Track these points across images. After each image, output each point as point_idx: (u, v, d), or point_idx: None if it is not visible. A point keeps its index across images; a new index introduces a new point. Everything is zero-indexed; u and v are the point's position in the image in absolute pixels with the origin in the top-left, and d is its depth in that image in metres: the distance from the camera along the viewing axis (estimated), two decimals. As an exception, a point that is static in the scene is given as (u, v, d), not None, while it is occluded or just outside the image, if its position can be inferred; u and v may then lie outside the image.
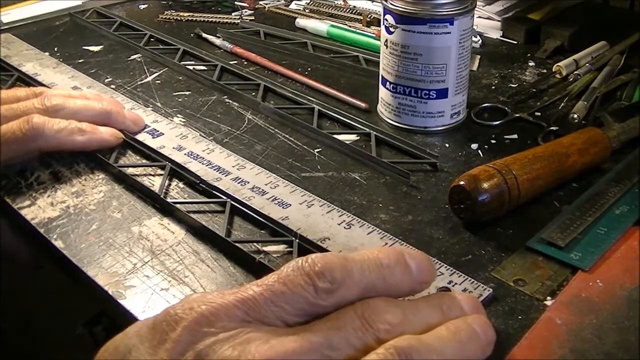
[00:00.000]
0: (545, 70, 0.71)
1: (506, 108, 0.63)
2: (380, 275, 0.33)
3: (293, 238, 0.45)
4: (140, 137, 0.57)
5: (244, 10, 0.90)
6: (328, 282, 0.32)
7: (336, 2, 0.88)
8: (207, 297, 0.31)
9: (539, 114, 0.62)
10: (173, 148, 0.56)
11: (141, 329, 0.32)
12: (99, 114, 0.56)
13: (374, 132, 0.58)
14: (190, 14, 0.87)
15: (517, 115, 0.61)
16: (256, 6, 0.91)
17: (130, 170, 0.53)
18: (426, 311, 0.33)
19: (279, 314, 0.31)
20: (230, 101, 0.65)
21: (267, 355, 0.29)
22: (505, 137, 0.59)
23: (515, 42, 0.78)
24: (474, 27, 0.67)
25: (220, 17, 0.85)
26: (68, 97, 0.56)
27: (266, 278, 0.32)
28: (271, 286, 0.31)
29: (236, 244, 0.44)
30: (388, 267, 0.33)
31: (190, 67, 0.71)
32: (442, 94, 0.58)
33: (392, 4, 0.56)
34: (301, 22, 0.83)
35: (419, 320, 0.33)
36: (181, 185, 0.52)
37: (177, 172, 0.53)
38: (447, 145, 0.58)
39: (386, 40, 0.58)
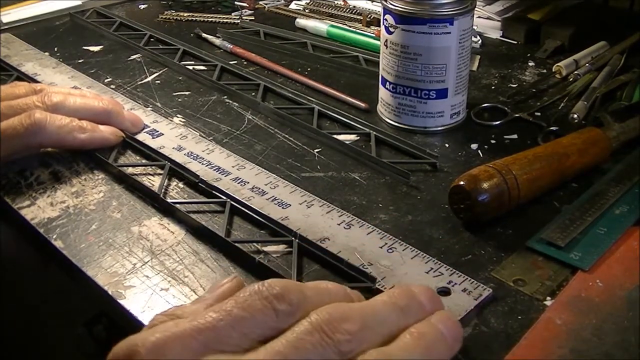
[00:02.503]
0: (545, 70, 0.71)
1: (506, 108, 0.63)
2: (332, 300, 0.33)
3: (293, 238, 0.45)
4: (140, 137, 0.57)
5: (244, 10, 0.90)
6: (287, 304, 0.31)
7: (336, 2, 0.88)
8: (166, 325, 0.30)
9: (539, 114, 0.62)
10: (173, 148, 0.56)
11: None
12: (98, 112, 0.56)
13: (374, 132, 0.58)
14: (190, 14, 0.87)
15: (517, 115, 0.61)
16: (256, 6, 0.91)
17: (130, 170, 0.53)
18: (384, 312, 0.33)
19: (239, 341, 0.30)
20: (230, 101, 0.65)
21: None
22: (505, 137, 0.59)
23: (515, 42, 0.78)
24: (474, 27, 0.67)
25: (220, 17, 0.85)
26: (68, 95, 0.56)
27: (223, 303, 0.31)
28: (229, 312, 0.30)
29: (236, 244, 0.44)
30: (336, 295, 0.33)
31: (190, 67, 0.71)
32: (442, 94, 0.58)
33: (392, 4, 0.56)
34: (301, 22, 0.83)
35: (379, 325, 0.32)
36: (181, 185, 0.52)
37: (176, 172, 0.53)
38: (447, 145, 0.58)
39: (386, 40, 0.58)
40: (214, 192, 0.50)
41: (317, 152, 0.57)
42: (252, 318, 0.30)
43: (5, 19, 0.84)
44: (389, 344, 0.31)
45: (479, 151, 0.57)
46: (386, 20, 0.57)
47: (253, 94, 0.65)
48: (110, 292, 0.42)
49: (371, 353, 0.30)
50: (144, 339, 0.29)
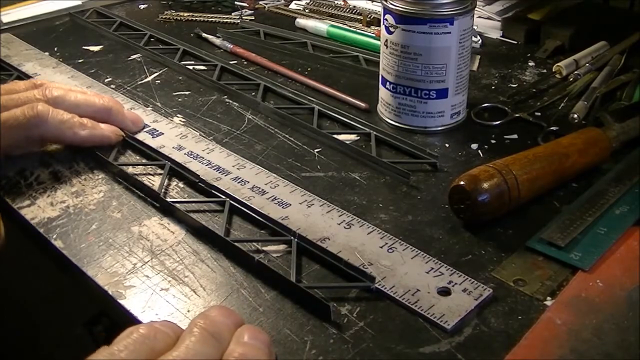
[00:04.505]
0: (545, 70, 0.71)
1: (506, 108, 0.63)
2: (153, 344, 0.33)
3: (293, 238, 0.45)
4: (140, 136, 0.57)
5: (244, 10, 0.90)
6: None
7: (336, 2, 0.88)
8: None
9: (539, 114, 0.62)
10: (173, 148, 0.56)
11: None
12: (99, 109, 0.56)
13: (374, 132, 0.58)
14: (190, 14, 0.87)
15: (517, 115, 0.61)
16: (256, 6, 0.91)
17: (130, 170, 0.53)
18: (204, 349, 0.33)
19: None
20: (230, 101, 0.65)
21: None
22: (505, 137, 0.59)
23: (515, 42, 0.78)
24: (474, 27, 0.67)
25: (220, 17, 0.85)
26: (68, 90, 0.56)
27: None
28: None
29: (236, 244, 0.44)
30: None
31: (190, 67, 0.71)
32: (442, 94, 0.58)
33: (392, 4, 0.56)
34: (301, 22, 0.83)
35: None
36: (181, 185, 0.52)
37: (176, 171, 0.53)
38: (447, 145, 0.58)
39: (386, 40, 0.58)
40: (213, 191, 0.50)
41: (317, 152, 0.57)
42: None
43: (5, 19, 0.84)
44: None
45: (479, 151, 0.57)
46: (386, 20, 0.57)
47: (253, 93, 0.65)
48: (110, 292, 0.42)
49: None
50: None
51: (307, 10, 0.88)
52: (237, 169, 0.53)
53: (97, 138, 0.55)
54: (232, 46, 0.76)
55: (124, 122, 0.57)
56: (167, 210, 0.49)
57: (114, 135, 0.56)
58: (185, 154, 0.55)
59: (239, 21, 0.84)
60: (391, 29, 0.57)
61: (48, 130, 0.52)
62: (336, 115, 0.61)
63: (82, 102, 0.56)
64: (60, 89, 0.56)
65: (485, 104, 0.64)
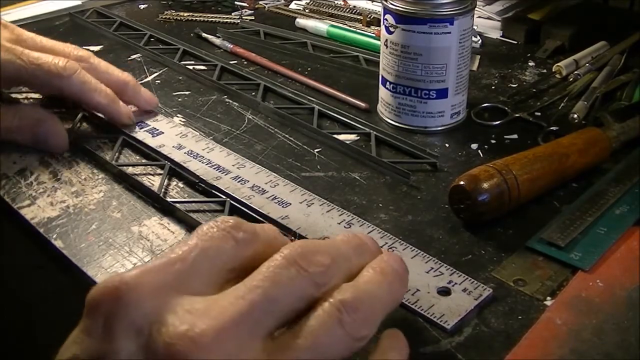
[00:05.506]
0: (545, 70, 0.71)
1: (506, 108, 0.63)
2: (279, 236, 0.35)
3: (292, 237, 0.45)
4: (140, 135, 0.57)
5: (244, 10, 0.90)
6: (243, 232, 0.32)
7: (336, 2, 0.88)
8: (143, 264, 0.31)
9: (539, 114, 0.62)
10: (173, 147, 0.56)
11: None
12: (117, 79, 0.59)
13: (374, 132, 0.58)
14: (190, 14, 0.87)
15: (517, 115, 0.61)
16: (256, 6, 0.91)
17: (130, 170, 0.53)
18: (346, 250, 0.34)
19: (209, 272, 0.31)
20: (230, 101, 0.65)
21: (213, 326, 0.28)
22: (505, 137, 0.59)
23: (515, 42, 0.78)
24: (474, 27, 0.67)
25: (220, 17, 0.85)
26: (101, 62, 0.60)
27: (187, 239, 0.32)
28: (196, 244, 0.31)
29: (236, 244, 0.44)
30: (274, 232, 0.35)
31: (190, 67, 0.71)
32: (442, 94, 0.58)
33: (392, 4, 0.56)
34: (301, 22, 0.83)
35: (344, 261, 0.33)
36: (181, 184, 0.52)
37: (176, 171, 0.53)
38: (447, 145, 0.58)
39: (386, 40, 0.58)
40: (213, 191, 0.50)
41: (317, 151, 0.57)
42: (216, 247, 0.31)
43: (5, 19, 0.84)
44: (351, 280, 0.32)
45: (479, 151, 0.57)
46: (386, 20, 0.57)
47: (253, 93, 0.65)
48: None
49: (343, 288, 0.31)
50: (122, 275, 0.29)
51: (307, 10, 0.88)
52: (237, 168, 0.53)
53: (111, 111, 0.57)
54: (232, 46, 0.76)
55: (139, 98, 0.60)
56: (167, 210, 0.49)
57: (126, 117, 0.58)
58: (185, 153, 0.55)
59: (239, 21, 0.84)
60: (391, 29, 0.57)
61: (70, 85, 0.55)
62: (336, 115, 0.61)
63: (104, 67, 0.59)
64: (86, 52, 0.60)
65: (485, 104, 0.64)
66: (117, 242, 0.46)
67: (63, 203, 0.50)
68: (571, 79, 0.67)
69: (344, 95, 0.65)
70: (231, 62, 0.72)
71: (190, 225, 0.47)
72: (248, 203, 0.48)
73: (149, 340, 0.27)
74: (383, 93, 0.61)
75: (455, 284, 0.41)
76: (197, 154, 0.55)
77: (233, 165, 0.53)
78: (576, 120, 0.60)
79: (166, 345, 0.27)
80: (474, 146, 0.57)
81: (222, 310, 0.28)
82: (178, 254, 0.31)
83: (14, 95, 0.63)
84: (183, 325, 0.28)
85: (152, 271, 0.30)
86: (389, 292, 0.33)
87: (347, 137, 0.58)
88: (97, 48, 0.77)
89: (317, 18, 0.84)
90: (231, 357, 0.27)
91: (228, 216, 0.35)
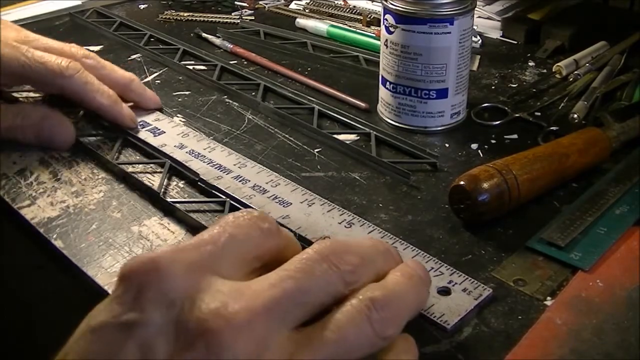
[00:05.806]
0: (545, 70, 0.71)
1: (506, 108, 0.63)
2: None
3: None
4: (142, 135, 0.57)
5: (244, 10, 0.90)
6: (268, 223, 0.33)
7: (336, 2, 0.88)
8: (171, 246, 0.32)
9: (539, 114, 0.62)
10: (174, 146, 0.56)
11: None
12: (122, 77, 0.60)
13: (374, 132, 0.58)
14: (190, 14, 0.87)
15: (517, 115, 0.61)
16: (256, 6, 0.91)
17: (130, 169, 0.53)
18: (372, 253, 0.34)
19: (236, 259, 0.31)
20: (230, 101, 0.65)
21: (247, 307, 0.28)
22: (505, 137, 0.59)
23: (515, 42, 0.78)
24: (474, 27, 0.67)
25: (220, 17, 0.85)
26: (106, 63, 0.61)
27: (214, 226, 0.32)
28: (224, 230, 0.32)
29: (236, 244, 0.44)
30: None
31: (190, 67, 0.71)
32: (442, 94, 0.58)
33: (392, 4, 0.56)
34: (301, 22, 0.83)
35: (371, 263, 0.33)
36: (181, 184, 0.52)
37: (177, 170, 0.53)
38: (447, 145, 0.58)
39: (386, 40, 0.58)
40: (213, 191, 0.50)
41: (317, 151, 0.57)
42: (244, 234, 0.32)
43: (5, 19, 0.84)
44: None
45: (479, 151, 0.57)
46: (386, 20, 0.57)
47: (253, 93, 0.65)
48: (110, 292, 0.42)
49: (372, 286, 0.31)
50: (155, 252, 0.30)
51: (307, 10, 0.88)
52: (239, 167, 0.53)
53: (114, 112, 0.57)
54: (232, 46, 0.76)
55: (143, 97, 0.60)
56: (167, 210, 0.49)
57: (129, 119, 0.58)
58: (186, 152, 0.55)
59: (239, 21, 0.84)
60: (391, 29, 0.57)
61: (71, 85, 0.55)
62: (336, 115, 0.61)
63: (108, 65, 0.60)
64: (100, 61, 0.60)
65: (485, 104, 0.64)
66: (117, 242, 0.46)
67: (63, 203, 0.50)
68: (571, 79, 0.67)
69: (344, 95, 0.65)
70: (231, 62, 0.72)
71: (190, 226, 0.47)
72: (249, 203, 0.48)
73: (181, 315, 0.28)
74: (383, 93, 0.61)
75: (455, 283, 0.41)
76: (199, 153, 0.55)
77: (234, 165, 0.53)
78: (576, 120, 0.60)
79: (198, 320, 0.27)
80: (474, 146, 0.57)
81: (255, 295, 0.29)
82: (209, 237, 0.31)
83: (15, 95, 0.63)
84: (216, 302, 0.28)
85: (186, 250, 0.30)
86: (415, 296, 0.33)
87: (347, 137, 0.58)
88: (97, 48, 0.77)
89: (317, 18, 0.84)
90: (260, 341, 0.28)
91: (249, 209, 0.35)
